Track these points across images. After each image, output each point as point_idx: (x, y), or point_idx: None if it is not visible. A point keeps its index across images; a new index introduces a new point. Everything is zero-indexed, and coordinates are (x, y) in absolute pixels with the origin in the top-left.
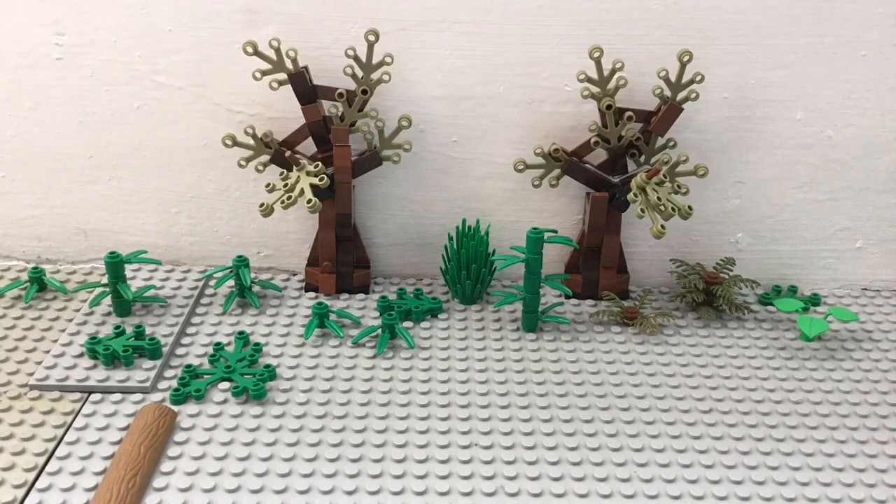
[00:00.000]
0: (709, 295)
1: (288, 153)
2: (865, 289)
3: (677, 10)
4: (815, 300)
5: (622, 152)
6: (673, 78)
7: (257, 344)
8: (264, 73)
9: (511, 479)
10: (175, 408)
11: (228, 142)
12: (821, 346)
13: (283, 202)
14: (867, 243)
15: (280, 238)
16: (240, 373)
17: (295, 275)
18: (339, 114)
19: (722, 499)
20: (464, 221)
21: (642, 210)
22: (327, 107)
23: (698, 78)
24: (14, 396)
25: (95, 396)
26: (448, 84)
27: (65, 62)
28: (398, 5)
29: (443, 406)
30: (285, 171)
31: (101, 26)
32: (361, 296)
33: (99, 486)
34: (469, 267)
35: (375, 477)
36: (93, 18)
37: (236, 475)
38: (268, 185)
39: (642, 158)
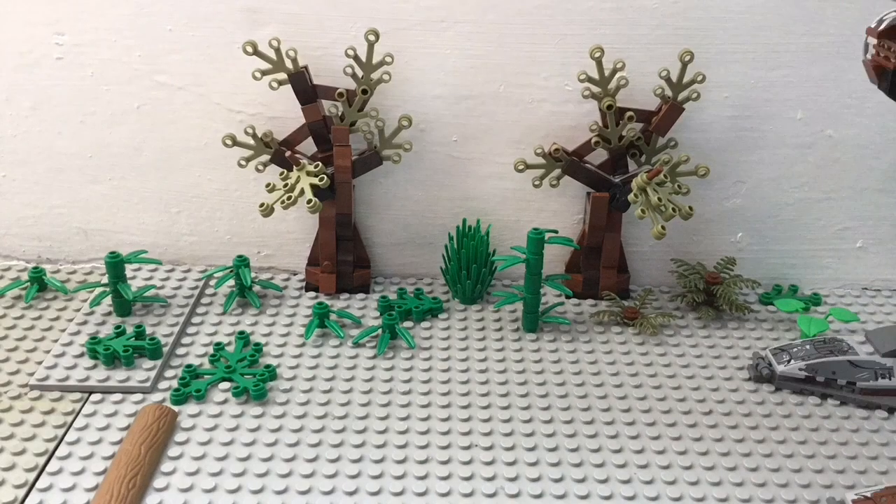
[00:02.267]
0: (709, 295)
1: (288, 153)
2: (866, 288)
3: (678, 10)
4: (815, 300)
5: (623, 152)
6: (674, 78)
7: (258, 344)
8: (264, 72)
9: (511, 480)
10: (175, 408)
11: (228, 142)
12: None
13: (283, 202)
14: (867, 243)
15: (280, 238)
16: (240, 373)
17: (295, 274)
18: (340, 113)
19: (722, 500)
20: (464, 221)
21: (643, 211)
22: (327, 106)
23: (699, 78)
24: (15, 396)
25: (96, 396)
26: (448, 84)
27: (65, 62)
28: (398, 5)
29: (443, 406)
30: (285, 171)
31: (102, 26)
32: (362, 295)
33: (99, 486)
34: (469, 267)
35: (376, 477)
36: (93, 18)
37: (237, 475)
38: (268, 185)
39: (643, 158)
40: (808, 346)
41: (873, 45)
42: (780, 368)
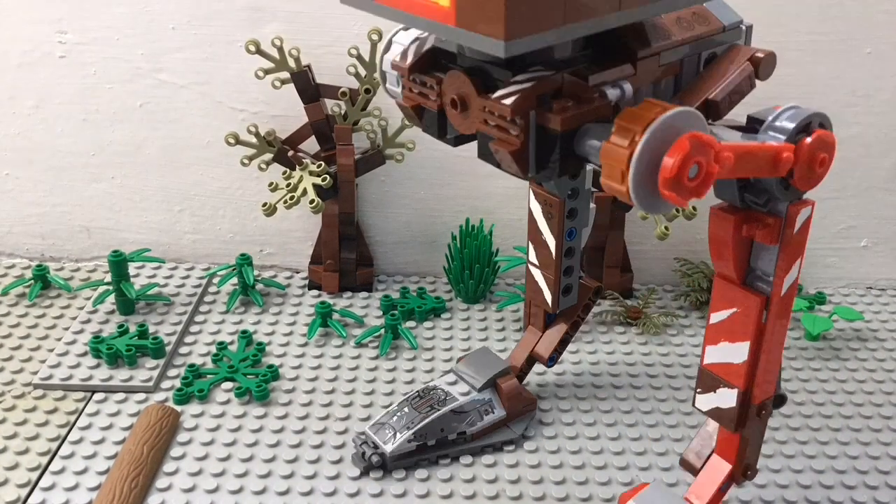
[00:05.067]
0: None
1: (291, 152)
2: (870, 287)
3: None
4: (819, 299)
5: None
6: None
7: (260, 343)
8: (267, 71)
9: (513, 482)
10: (178, 408)
11: (231, 140)
12: (825, 346)
13: (285, 202)
14: (872, 242)
15: (283, 236)
16: (243, 373)
17: (298, 273)
18: (343, 112)
19: (724, 502)
20: (467, 220)
21: None
22: (330, 105)
23: None
24: (18, 395)
25: (99, 395)
26: None
27: (68, 60)
28: None
29: None
30: (288, 171)
31: (104, 24)
32: (365, 294)
33: (102, 485)
34: (472, 266)
35: (378, 480)
36: (96, 16)
37: (239, 476)
38: (271, 185)
39: None
40: (405, 410)
41: (402, 80)
42: (388, 448)
